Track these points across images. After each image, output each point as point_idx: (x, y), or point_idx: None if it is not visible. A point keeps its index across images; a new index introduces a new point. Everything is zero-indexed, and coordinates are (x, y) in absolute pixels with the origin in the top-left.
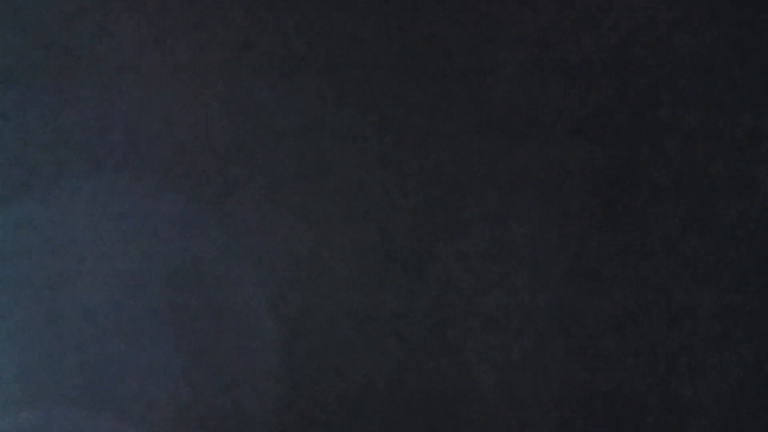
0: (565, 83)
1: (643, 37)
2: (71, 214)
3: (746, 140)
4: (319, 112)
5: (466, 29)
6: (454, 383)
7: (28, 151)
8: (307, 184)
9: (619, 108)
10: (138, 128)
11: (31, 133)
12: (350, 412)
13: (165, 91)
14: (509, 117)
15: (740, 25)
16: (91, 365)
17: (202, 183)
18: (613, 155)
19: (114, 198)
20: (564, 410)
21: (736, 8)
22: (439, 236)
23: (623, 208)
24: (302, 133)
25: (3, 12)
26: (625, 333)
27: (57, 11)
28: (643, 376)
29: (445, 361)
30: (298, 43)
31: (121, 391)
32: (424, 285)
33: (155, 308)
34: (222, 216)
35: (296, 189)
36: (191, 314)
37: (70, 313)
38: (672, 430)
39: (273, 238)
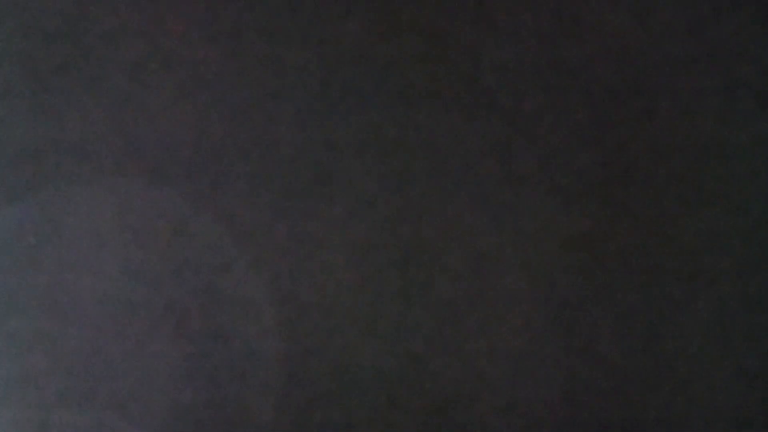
0: (566, 84)
1: (643, 37)
2: (72, 214)
3: (747, 141)
4: (319, 112)
5: (467, 29)
6: (454, 382)
7: (28, 152)
8: (307, 184)
9: (620, 108)
10: (138, 129)
11: (31, 133)
12: (350, 412)
13: (164, 92)
14: (509, 117)
15: (741, 25)
16: (91, 365)
17: (202, 183)
18: (614, 155)
19: (114, 198)
20: (564, 409)
21: (737, 8)
22: (439, 236)
23: (624, 207)
24: (302, 133)
25: (4, 13)
26: (626, 332)
27: (58, 13)
28: (643, 376)
29: (445, 361)
30: (297, 42)
31: (121, 391)
32: (424, 284)
33: (155, 308)
34: (221, 216)
35: (296, 189)
36: (191, 314)
37: (70, 313)
38: (672, 429)
39: (273, 238)
